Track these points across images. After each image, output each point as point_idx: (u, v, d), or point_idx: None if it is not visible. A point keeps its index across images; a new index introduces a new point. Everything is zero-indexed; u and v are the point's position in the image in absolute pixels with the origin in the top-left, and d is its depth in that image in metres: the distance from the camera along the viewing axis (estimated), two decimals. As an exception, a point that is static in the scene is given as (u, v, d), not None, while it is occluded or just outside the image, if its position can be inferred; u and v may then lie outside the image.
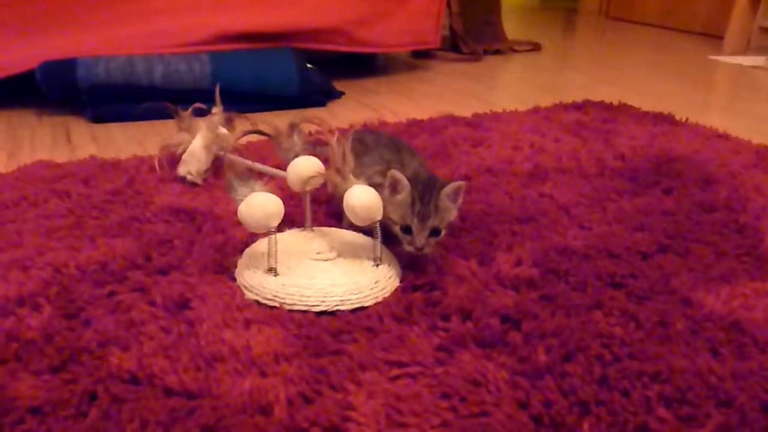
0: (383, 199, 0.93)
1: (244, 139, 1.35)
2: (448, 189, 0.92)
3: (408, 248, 0.93)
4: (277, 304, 0.87)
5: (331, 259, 0.95)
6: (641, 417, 0.69)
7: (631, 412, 0.69)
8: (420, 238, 0.91)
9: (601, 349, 0.79)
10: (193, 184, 1.26)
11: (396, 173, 0.91)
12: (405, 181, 0.91)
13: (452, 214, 0.94)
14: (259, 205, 0.88)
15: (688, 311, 0.87)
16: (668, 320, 0.85)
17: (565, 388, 0.72)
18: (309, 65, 1.97)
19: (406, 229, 0.92)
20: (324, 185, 1.03)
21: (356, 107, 1.94)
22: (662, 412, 0.69)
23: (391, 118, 1.76)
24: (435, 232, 0.92)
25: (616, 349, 0.79)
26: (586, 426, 0.67)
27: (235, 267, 0.95)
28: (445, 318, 0.85)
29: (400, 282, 0.93)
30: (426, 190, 0.91)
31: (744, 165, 1.40)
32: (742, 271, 0.98)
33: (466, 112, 1.80)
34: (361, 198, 0.90)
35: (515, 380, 0.73)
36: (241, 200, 0.89)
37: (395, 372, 0.75)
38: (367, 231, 0.99)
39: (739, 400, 0.71)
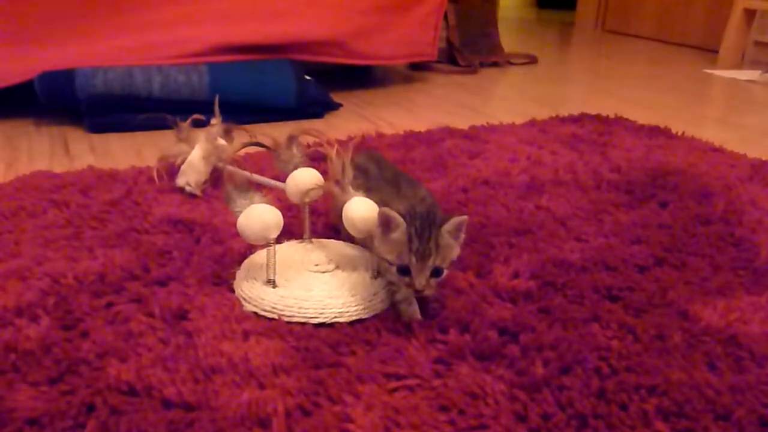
0: (376, 239, 0.87)
1: (243, 151, 1.35)
2: (449, 225, 0.83)
3: (406, 292, 0.86)
4: (276, 316, 0.87)
5: (330, 271, 0.95)
6: (639, 430, 0.69)
7: (629, 426, 0.69)
8: (420, 279, 0.82)
9: (599, 362, 0.79)
10: (192, 195, 1.26)
11: (387, 210, 0.83)
12: (398, 218, 0.83)
13: (454, 252, 0.85)
14: (257, 216, 0.88)
15: (686, 324, 0.88)
16: (665, 333, 0.85)
17: (563, 401, 0.73)
18: (307, 77, 1.98)
19: (404, 270, 0.83)
20: (324, 197, 1.03)
21: (354, 119, 1.95)
22: (660, 425, 0.69)
23: (388, 130, 1.76)
24: (436, 272, 0.83)
25: (613, 362, 0.79)
26: (584, 439, 0.67)
27: (234, 278, 0.95)
28: (443, 330, 0.85)
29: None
30: (424, 227, 0.82)
31: (739, 178, 1.41)
32: (738, 284, 0.99)
33: (463, 124, 1.81)
34: (360, 210, 0.90)
35: (513, 393, 0.74)
36: (240, 212, 0.90)
37: (393, 384, 0.75)
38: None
39: (736, 413, 0.71)
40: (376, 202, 0.92)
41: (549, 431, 0.69)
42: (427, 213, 0.84)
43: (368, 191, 0.96)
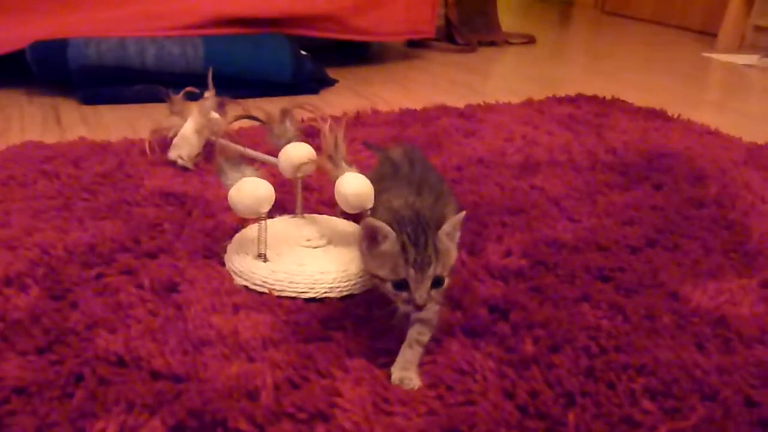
0: (361, 254, 0.78)
1: (236, 124, 1.34)
2: (448, 227, 0.74)
3: (405, 308, 0.74)
4: (266, 290, 0.87)
5: (321, 247, 0.95)
6: (626, 409, 0.69)
7: (616, 404, 0.70)
8: (421, 293, 0.71)
9: (588, 341, 0.79)
10: (184, 169, 1.26)
11: (372, 221, 0.73)
12: (386, 228, 0.72)
13: (453, 256, 0.76)
14: (249, 190, 0.88)
15: (675, 305, 0.88)
16: (655, 314, 0.85)
17: (551, 379, 0.73)
18: (303, 52, 1.96)
19: (401, 285, 0.73)
20: (317, 171, 1.02)
21: (349, 95, 1.93)
22: (647, 404, 0.70)
23: (383, 107, 1.75)
24: (437, 282, 0.73)
25: (602, 341, 0.79)
26: (571, 417, 0.67)
27: (225, 252, 0.95)
28: (434, 307, 0.85)
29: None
30: (419, 232, 0.72)
31: (734, 162, 1.41)
32: (729, 267, 0.99)
33: (459, 103, 1.80)
34: (353, 185, 0.90)
35: (502, 370, 0.74)
36: (232, 185, 0.89)
37: (383, 360, 0.75)
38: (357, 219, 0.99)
39: (723, 394, 0.71)
40: (385, 203, 0.85)
41: (536, 408, 0.69)
42: (418, 216, 0.75)
43: (388, 191, 0.88)
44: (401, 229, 0.73)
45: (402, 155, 0.97)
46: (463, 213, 0.76)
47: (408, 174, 0.91)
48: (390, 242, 0.73)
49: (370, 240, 0.74)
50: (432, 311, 0.76)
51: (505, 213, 1.13)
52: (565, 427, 0.66)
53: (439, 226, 0.74)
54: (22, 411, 0.65)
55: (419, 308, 0.72)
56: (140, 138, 1.39)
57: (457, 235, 0.77)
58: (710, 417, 0.68)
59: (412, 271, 0.71)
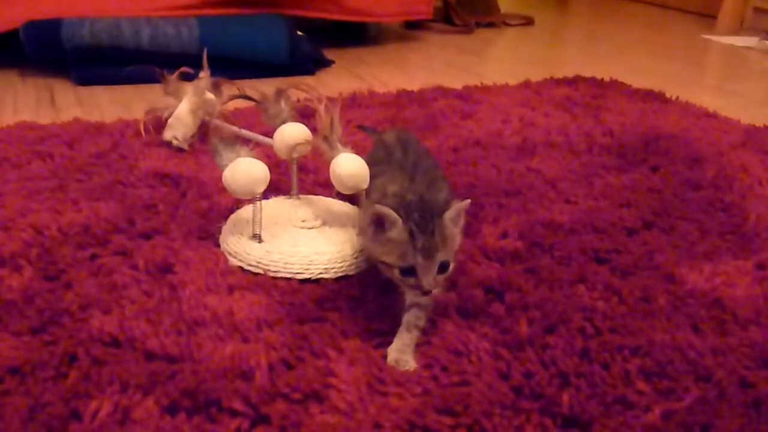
0: (368, 240, 0.78)
1: (231, 105, 1.33)
2: (452, 212, 0.74)
3: (414, 294, 0.76)
4: (261, 271, 0.87)
5: (317, 228, 0.94)
6: (620, 389, 0.69)
7: (611, 385, 0.70)
8: (428, 279, 0.72)
9: (583, 322, 0.79)
10: (179, 149, 1.25)
11: (381, 208, 0.73)
12: (393, 216, 0.72)
13: (457, 241, 0.77)
14: (243, 170, 0.87)
15: (671, 287, 0.88)
16: (651, 296, 0.85)
17: (546, 359, 0.73)
18: (299, 32, 1.94)
19: (408, 271, 0.73)
20: (313, 152, 1.02)
21: (346, 76, 1.92)
22: (641, 385, 0.70)
23: (380, 89, 1.74)
24: (443, 267, 0.74)
25: (598, 322, 0.79)
26: (565, 397, 0.67)
27: (220, 233, 0.95)
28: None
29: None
30: (426, 219, 0.73)
31: (732, 144, 1.40)
32: (725, 249, 0.99)
33: (456, 85, 1.79)
34: (347, 166, 0.89)
35: (497, 351, 0.74)
36: (226, 165, 0.88)
37: (377, 340, 0.75)
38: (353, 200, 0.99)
39: (717, 375, 0.71)
40: (379, 188, 0.85)
41: (531, 389, 0.69)
42: (422, 201, 0.75)
43: (382, 175, 0.88)
44: (408, 215, 0.73)
45: (395, 139, 0.97)
46: (468, 201, 0.76)
47: (401, 159, 0.91)
48: (397, 229, 0.73)
49: (377, 226, 0.74)
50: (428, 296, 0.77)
51: (501, 195, 1.12)
52: (560, 408, 0.66)
53: (443, 211, 0.74)
54: (16, 391, 0.65)
55: (427, 293, 0.73)
56: (135, 119, 1.38)
57: (462, 221, 0.77)
58: (704, 398, 0.68)
59: (420, 258, 0.72)
